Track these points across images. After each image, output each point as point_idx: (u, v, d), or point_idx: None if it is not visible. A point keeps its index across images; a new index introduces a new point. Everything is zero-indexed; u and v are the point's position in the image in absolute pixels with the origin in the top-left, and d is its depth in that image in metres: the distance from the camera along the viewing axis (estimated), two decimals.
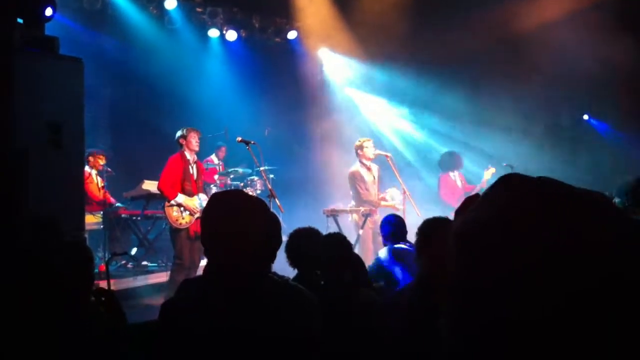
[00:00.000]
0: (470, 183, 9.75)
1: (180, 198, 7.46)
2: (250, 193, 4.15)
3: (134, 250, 8.94)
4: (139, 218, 9.08)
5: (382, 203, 8.70)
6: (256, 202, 2.36)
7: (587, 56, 10.03)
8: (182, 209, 7.43)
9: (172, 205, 7.42)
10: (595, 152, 11.75)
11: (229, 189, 8.71)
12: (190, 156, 7.80)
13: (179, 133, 7.84)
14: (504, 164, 9.70)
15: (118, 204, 9.27)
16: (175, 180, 7.59)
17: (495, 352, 0.76)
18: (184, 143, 7.79)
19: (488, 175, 9.32)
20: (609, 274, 0.72)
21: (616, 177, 8.54)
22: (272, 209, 5.12)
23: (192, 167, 7.83)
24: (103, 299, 3.35)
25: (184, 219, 7.41)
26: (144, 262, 8.86)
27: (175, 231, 7.43)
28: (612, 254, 0.74)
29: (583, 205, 0.79)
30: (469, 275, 0.79)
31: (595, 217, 0.77)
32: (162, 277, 8.23)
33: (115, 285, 7.00)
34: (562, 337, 0.73)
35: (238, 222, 2.24)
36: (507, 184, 0.84)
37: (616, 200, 6.03)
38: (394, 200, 8.84)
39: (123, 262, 8.76)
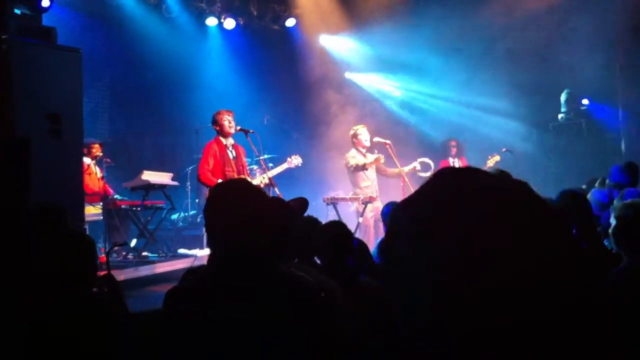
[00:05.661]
0: None
1: None
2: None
3: (134, 241, 8.92)
4: (139, 208, 9.05)
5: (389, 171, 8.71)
6: (261, 192, 2.37)
7: (589, 38, 10.01)
8: None
9: None
10: (596, 137, 11.73)
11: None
12: (226, 140, 7.75)
13: (211, 119, 7.87)
14: (503, 150, 9.71)
15: (116, 196, 9.24)
16: (213, 167, 7.53)
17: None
18: (217, 128, 7.74)
19: (491, 163, 9.32)
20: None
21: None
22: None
23: (231, 152, 7.76)
24: (106, 288, 3.35)
25: None
26: (145, 253, 8.85)
27: None
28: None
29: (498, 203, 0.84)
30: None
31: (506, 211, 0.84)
32: (163, 267, 8.21)
33: (116, 276, 6.98)
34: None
35: (242, 211, 2.24)
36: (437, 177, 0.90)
37: (609, 182, 6.12)
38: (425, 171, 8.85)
39: (124, 253, 8.74)
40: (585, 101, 11.66)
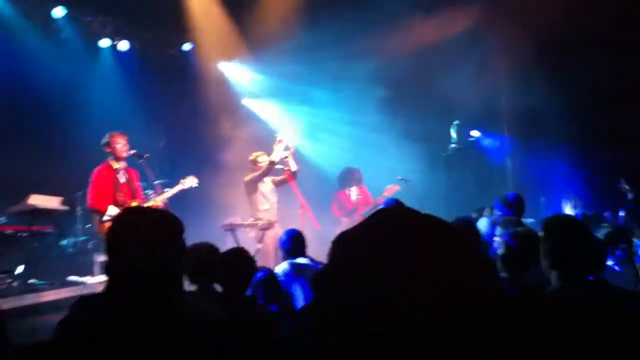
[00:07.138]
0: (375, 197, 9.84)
1: (112, 210, 7.07)
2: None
3: (20, 268, 8.47)
4: (24, 234, 8.62)
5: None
6: (162, 221, 2.33)
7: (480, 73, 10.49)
8: None
9: (105, 221, 7.02)
10: (485, 167, 12.25)
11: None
12: (118, 164, 7.49)
13: (102, 141, 7.55)
14: (398, 178, 9.95)
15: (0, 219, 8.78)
16: (103, 193, 7.25)
17: None
18: (109, 150, 7.47)
19: (389, 192, 9.50)
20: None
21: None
22: None
23: (122, 176, 7.51)
24: None
25: None
26: (31, 280, 8.41)
27: None
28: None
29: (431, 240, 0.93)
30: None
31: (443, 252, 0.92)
32: (51, 295, 7.86)
33: None
34: None
35: (138, 240, 2.24)
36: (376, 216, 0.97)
37: (496, 212, 6.43)
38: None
39: (8, 280, 8.27)
40: (475, 132, 12.17)
